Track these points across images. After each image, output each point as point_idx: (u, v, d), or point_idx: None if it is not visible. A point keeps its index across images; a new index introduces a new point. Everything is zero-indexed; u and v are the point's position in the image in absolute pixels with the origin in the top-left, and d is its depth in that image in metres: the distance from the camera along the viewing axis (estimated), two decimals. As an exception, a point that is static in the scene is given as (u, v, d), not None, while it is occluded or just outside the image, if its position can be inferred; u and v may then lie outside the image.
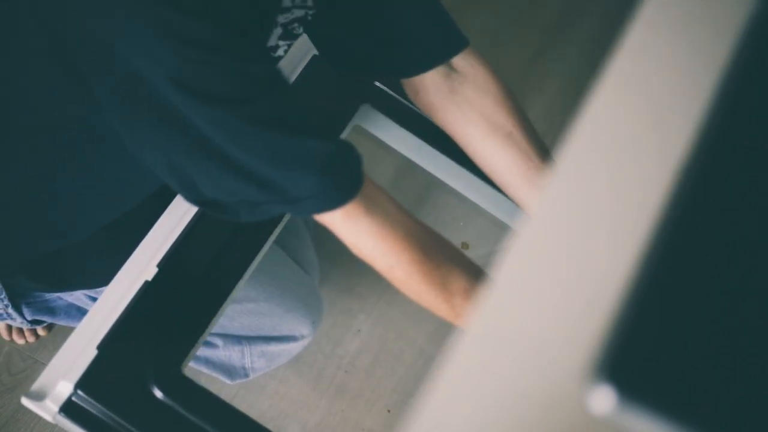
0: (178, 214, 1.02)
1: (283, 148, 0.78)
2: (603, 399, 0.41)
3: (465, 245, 1.00)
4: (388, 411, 0.90)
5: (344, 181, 0.81)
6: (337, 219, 0.82)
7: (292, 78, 1.12)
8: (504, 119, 0.97)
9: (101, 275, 1.17)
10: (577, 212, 0.54)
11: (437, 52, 0.98)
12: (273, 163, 0.78)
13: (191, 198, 0.84)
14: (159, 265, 0.99)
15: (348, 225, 0.83)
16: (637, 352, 0.42)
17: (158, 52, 0.73)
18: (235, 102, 0.76)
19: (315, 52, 1.14)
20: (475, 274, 0.88)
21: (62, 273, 1.16)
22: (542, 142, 0.98)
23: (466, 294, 0.87)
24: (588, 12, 1.99)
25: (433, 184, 1.72)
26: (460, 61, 0.99)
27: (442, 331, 1.57)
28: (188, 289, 1.00)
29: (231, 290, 1.01)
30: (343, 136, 1.13)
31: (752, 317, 0.43)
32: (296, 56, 1.14)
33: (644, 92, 0.57)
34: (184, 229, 1.01)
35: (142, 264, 0.99)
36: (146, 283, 0.98)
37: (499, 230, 1.03)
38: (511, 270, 0.53)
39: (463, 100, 0.98)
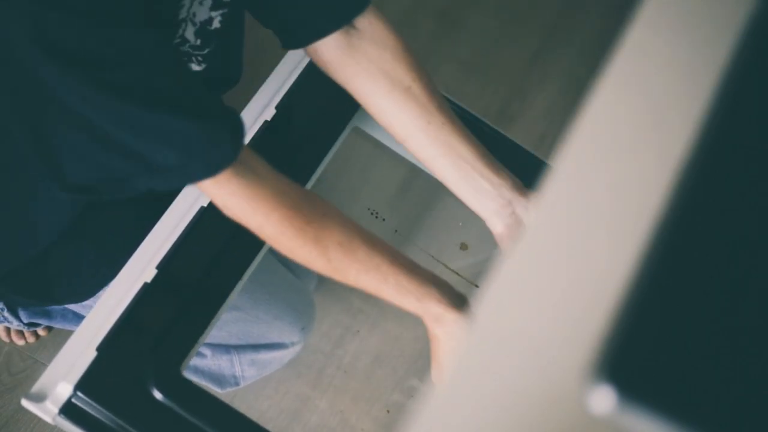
0: (178, 216, 1.02)
1: (147, 120, 0.77)
2: (603, 399, 0.41)
3: (464, 246, 1.00)
4: (388, 411, 0.90)
5: (212, 156, 0.81)
6: (206, 182, 0.83)
7: (292, 78, 1.12)
8: (403, 74, 0.96)
9: (84, 289, 1.17)
10: (577, 212, 0.54)
11: (339, 15, 0.97)
12: (135, 133, 0.78)
13: (61, 187, 0.83)
14: (158, 267, 0.99)
15: (216, 187, 0.83)
16: (637, 352, 0.42)
17: (17, 13, 0.72)
18: (98, 67, 0.75)
19: (314, 52, 1.14)
20: (349, 228, 0.89)
21: (46, 287, 1.16)
22: (441, 96, 0.98)
23: (341, 247, 0.88)
24: (588, 12, 2.00)
25: (431, 185, 1.72)
26: (358, 17, 0.98)
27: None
28: (187, 290, 1.00)
29: (230, 291, 1.01)
30: (342, 137, 1.13)
31: (752, 317, 0.43)
32: (295, 58, 1.14)
33: (644, 92, 0.57)
34: (183, 231, 1.01)
35: (142, 266, 0.99)
36: (145, 284, 0.98)
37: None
38: (512, 270, 0.53)
39: (362, 56, 0.97)
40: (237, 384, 1.35)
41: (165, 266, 0.99)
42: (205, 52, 0.95)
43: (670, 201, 0.46)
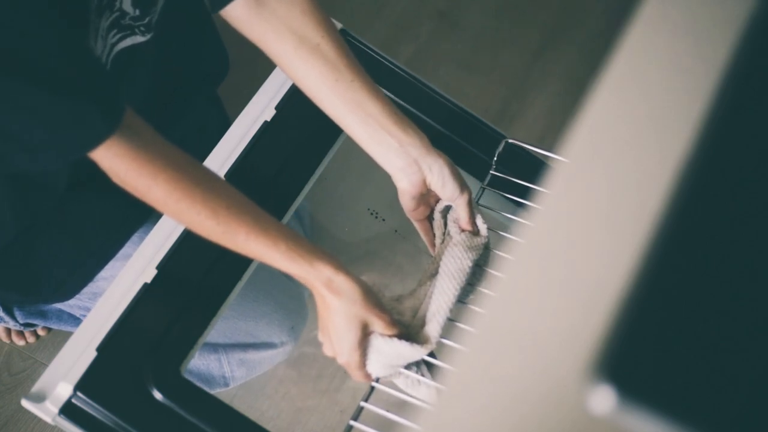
0: (178, 215, 1.02)
1: (15, 94, 0.76)
2: (603, 399, 0.41)
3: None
4: (388, 411, 0.90)
5: (82, 134, 0.81)
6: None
7: (290, 80, 1.12)
8: (311, 31, 0.96)
9: (70, 286, 1.18)
10: (577, 212, 0.54)
11: None
12: (4, 108, 0.77)
13: None
14: (158, 267, 0.99)
15: (101, 151, 0.83)
16: (637, 352, 0.42)
17: None
18: None
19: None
20: (236, 193, 0.89)
21: (32, 282, 1.16)
22: (351, 54, 0.97)
23: (230, 210, 0.88)
24: (588, 12, 2.00)
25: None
26: None
27: (442, 332, 1.57)
28: (187, 290, 1.00)
29: (230, 291, 1.01)
30: (342, 137, 1.13)
31: (752, 317, 0.43)
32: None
33: (644, 92, 0.57)
34: (183, 231, 1.01)
35: (141, 266, 0.99)
36: (145, 285, 0.98)
37: (498, 231, 1.03)
38: (512, 271, 0.53)
39: (270, 14, 0.97)
40: (226, 385, 1.34)
41: (165, 266, 0.99)
42: (146, 21, 0.95)
43: (670, 201, 0.46)
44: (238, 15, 0.99)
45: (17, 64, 0.76)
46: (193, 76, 1.21)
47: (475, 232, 1.01)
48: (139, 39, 0.95)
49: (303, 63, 0.97)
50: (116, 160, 0.84)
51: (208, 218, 0.87)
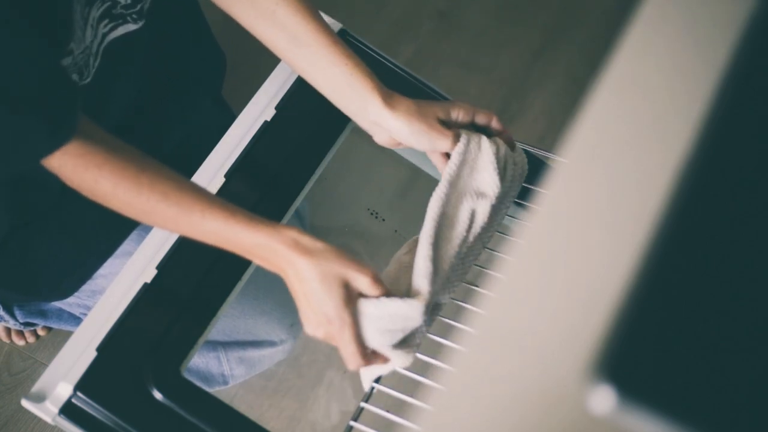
0: (178, 215, 1.02)
1: None
2: (603, 399, 0.41)
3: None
4: (388, 410, 0.90)
5: (27, 149, 0.81)
6: None
7: (292, 78, 1.12)
8: (267, 2, 0.97)
9: (68, 284, 1.18)
10: (577, 212, 0.54)
11: None
12: None
13: None
14: (158, 267, 0.99)
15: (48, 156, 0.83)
16: (637, 352, 0.42)
17: None
18: None
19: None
20: (182, 176, 0.87)
21: (30, 281, 1.16)
22: (311, 15, 0.97)
23: (180, 189, 0.86)
24: (588, 12, 2.00)
25: (431, 185, 1.72)
26: None
27: (442, 332, 1.57)
28: (187, 290, 1.00)
29: (230, 291, 1.01)
30: (342, 137, 1.13)
31: (752, 318, 0.43)
32: (296, 57, 1.14)
33: (644, 92, 0.57)
34: (183, 230, 1.01)
35: (141, 266, 0.99)
36: (145, 285, 0.98)
37: (498, 231, 1.03)
38: (513, 271, 0.53)
39: None
40: (225, 383, 1.34)
41: (165, 266, 0.99)
42: (138, 8, 0.95)
43: (670, 201, 0.46)
44: None
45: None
46: (188, 73, 1.20)
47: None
48: (131, 27, 0.95)
49: (262, 31, 0.98)
50: (63, 158, 0.83)
51: (159, 201, 0.85)
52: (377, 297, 0.84)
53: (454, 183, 0.96)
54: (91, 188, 0.86)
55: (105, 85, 0.97)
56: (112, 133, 0.87)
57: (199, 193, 0.87)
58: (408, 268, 0.93)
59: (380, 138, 0.98)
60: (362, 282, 0.83)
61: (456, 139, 0.95)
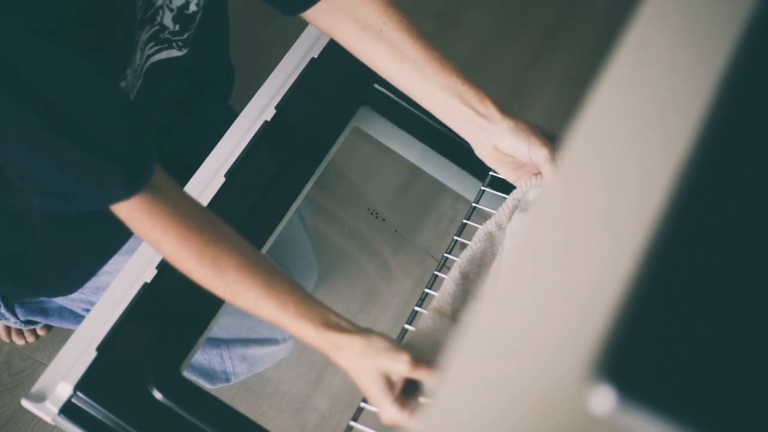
0: (178, 215, 1.02)
1: (44, 140, 0.77)
2: (603, 399, 0.41)
3: (463, 246, 1.00)
4: (388, 411, 0.90)
5: (100, 195, 0.82)
6: None
7: (292, 78, 1.12)
8: (373, 18, 0.98)
9: (71, 280, 1.18)
10: (577, 212, 0.54)
11: None
12: (29, 149, 0.78)
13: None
14: (158, 267, 0.99)
15: (119, 204, 0.83)
16: (637, 352, 0.42)
17: None
18: (12, 69, 0.73)
19: (314, 54, 1.14)
20: (250, 253, 0.88)
21: (33, 275, 1.16)
22: (416, 34, 0.99)
23: (240, 271, 0.87)
24: (588, 12, 1.99)
25: (431, 185, 1.72)
26: None
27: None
28: (187, 290, 1.00)
29: (231, 291, 1.01)
30: (342, 137, 1.13)
31: (752, 317, 0.43)
32: (295, 58, 1.14)
33: (644, 92, 0.57)
34: (183, 230, 1.01)
35: (142, 266, 0.99)
36: (145, 284, 0.98)
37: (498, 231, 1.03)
38: (512, 271, 0.53)
39: (332, 5, 1.00)
40: (228, 380, 1.34)
41: (165, 266, 0.99)
42: (185, 36, 0.95)
43: (670, 201, 0.46)
44: (307, 12, 1.01)
45: (55, 116, 0.76)
46: (208, 91, 1.22)
47: None
48: (175, 53, 0.96)
49: (368, 49, 1.00)
50: (132, 213, 0.84)
51: (216, 278, 0.87)
52: (422, 378, 0.86)
53: (501, 223, 0.98)
54: (154, 246, 0.87)
55: (140, 105, 0.98)
56: None
57: (257, 276, 0.88)
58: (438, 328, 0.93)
59: (483, 146, 0.99)
60: (401, 369, 0.86)
61: (553, 156, 0.97)
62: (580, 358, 0.48)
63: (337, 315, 0.89)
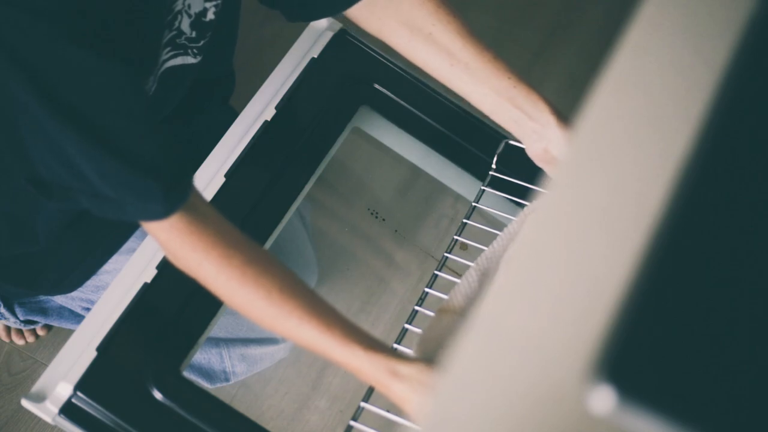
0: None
1: (88, 150, 0.77)
2: (603, 399, 0.41)
3: (464, 246, 1.00)
4: (388, 410, 0.90)
5: (143, 208, 0.81)
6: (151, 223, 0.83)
7: (292, 78, 1.12)
8: (422, 21, 0.98)
9: (71, 280, 1.18)
10: (577, 212, 0.54)
11: None
12: (77, 152, 0.77)
13: (28, 179, 0.83)
14: (158, 267, 0.99)
15: (159, 224, 0.83)
16: (637, 352, 0.42)
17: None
18: (52, 80, 0.73)
19: (314, 54, 1.14)
20: (290, 274, 0.86)
21: (32, 275, 1.16)
22: (468, 36, 0.98)
23: (283, 292, 0.84)
24: (588, 12, 2.00)
25: (431, 185, 1.72)
26: None
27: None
28: (187, 290, 1.00)
29: (230, 291, 1.01)
30: (342, 137, 1.13)
31: (752, 318, 0.43)
32: (295, 58, 1.14)
33: (644, 92, 0.57)
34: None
35: (141, 266, 0.99)
36: (145, 284, 0.98)
37: (498, 231, 1.03)
38: (513, 270, 0.53)
39: (381, 9, 0.99)
40: (227, 380, 1.34)
41: (165, 266, 0.99)
42: (201, 44, 0.96)
43: (670, 201, 0.46)
44: (353, 14, 1.01)
45: (90, 126, 0.75)
46: (209, 91, 1.22)
47: None
48: (190, 60, 0.96)
49: (418, 52, 0.99)
50: (173, 233, 0.83)
51: (259, 299, 0.84)
52: None
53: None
54: (194, 268, 0.85)
55: (153, 109, 0.98)
56: None
57: (301, 297, 0.85)
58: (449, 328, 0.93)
59: (535, 148, 0.99)
60: None
61: None
62: (581, 358, 0.48)
63: (380, 340, 0.86)
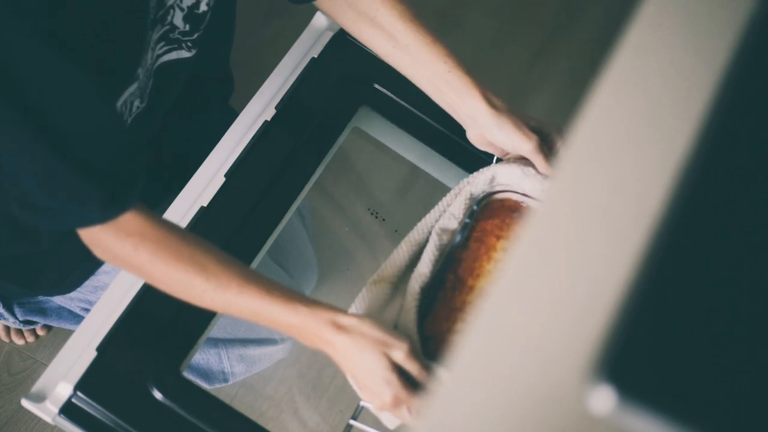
0: (177, 216, 1.02)
1: (32, 150, 0.76)
2: (603, 399, 0.41)
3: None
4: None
5: (78, 214, 0.81)
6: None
7: (292, 78, 1.12)
8: (368, 5, 1.01)
9: (70, 280, 1.18)
10: (577, 212, 0.54)
11: None
12: (20, 155, 0.77)
13: None
14: (158, 266, 0.99)
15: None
16: (637, 352, 0.42)
17: None
18: (8, 71, 0.72)
19: (314, 54, 1.14)
20: (227, 255, 0.87)
21: (32, 276, 1.16)
22: (411, 20, 1.02)
23: (220, 263, 0.85)
24: (588, 12, 1.99)
25: (431, 185, 1.72)
26: None
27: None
28: (188, 289, 1.00)
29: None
30: (342, 137, 1.13)
31: (752, 318, 0.43)
32: (295, 58, 1.14)
33: (644, 92, 0.57)
34: (183, 230, 1.01)
35: (142, 265, 0.99)
36: (145, 284, 0.98)
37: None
38: (512, 270, 0.53)
39: None
40: (225, 380, 1.34)
41: (165, 266, 0.99)
42: (195, 37, 0.96)
43: (670, 201, 0.46)
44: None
45: (43, 124, 0.75)
46: (208, 91, 1.22)
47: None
48: (184, 54, 0.96)
49: (364, 34, 1.03)
50: (101, 231, 0.83)
51: (197, 274, 0.85)
52: (412, 371, 0.84)
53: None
54: (129, 257, 0.85)
55: (151, 106, 0.98)
56: None
57: (238, 269, 0.86)
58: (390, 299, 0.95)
59: (472, 134, 1.02)
60: (398, 355, 0.84)
61: (539, 147, 0.97)
62: (581, 358, 0.48)
63: (320, 300, 0.87)
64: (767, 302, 0.44)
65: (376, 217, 1.74)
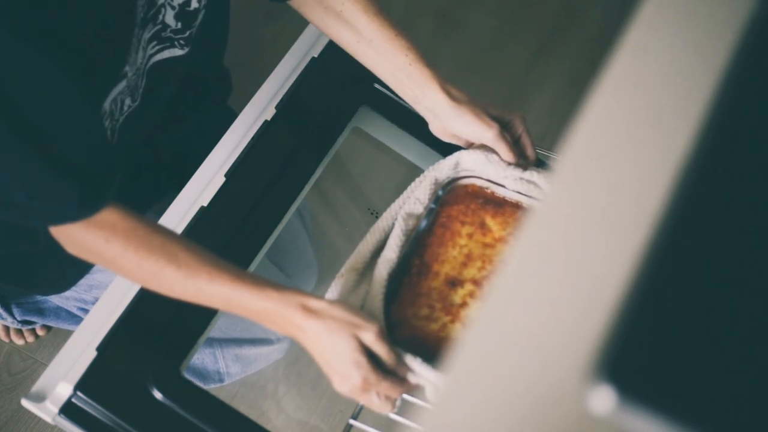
0: (177, 216, 1.02)
1: (9, 147, 0.76)
2: (603, 399, 0.41)
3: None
4: (388, 411, 0.89)
5: (54, 211, 0.82)
6: None
7: (292, 78, 1.12)
8: (334, 1, 1.03)
9: (66, 279, 1.18)
10: (577, 212, 0.54)
11: None
12: None
13: None
14: (158, 266, 0.99)
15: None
16: (637, 353, 0.42)
17: None
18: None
19: (314, 54, 1.14)
20: (193, 242, 0.88)
21: (27, 274, 1.16)
22: (375, 14, 1.03)
23: (190, 251, 0.86)
24: (588, 12, 2.00)
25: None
26: None
27: (442, 332, 1.57)
28: (188, 289, 1.00)
29: (230, 291, 1.01)
30: (342, 137, 1.13)
31: (751, 318, 0.43)
32: (295, 58, 1.14)
33: (644, 92, 0.57)
34: (182, 232, 1.01)
35: (142, 265, 0.99)
36: (146, 283, 0.98)
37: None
38: (513, 270, 0.53)
39: None
40: (221, 380, 1.33)
41: (165, 266, 0.99)
42: (187, 35, 0.96)
43: (670, 201, 0.46)
44: None
45: (32, 130, 0.75)
46: (206, 90, 1.22)
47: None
48: (177, 52, 0.96)
49: (329, 28, 1.04)
50: (72, 227, 0.84)
51: (168, 263, 0.85)
52: (381, 353, 0.84)
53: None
54: (100, 249, 0.85)
55: (144, 105, 0.98)
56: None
57: (208, 258, 0.87)
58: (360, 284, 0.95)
59: (434, 126, 1.03)
60: (368, 337, 0.84)
61: (500, 135, 0.99)
62: (581, 358, 0.48)
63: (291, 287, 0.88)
64: (767, 302, 0.44)
65: (376, 217, 1.74)
